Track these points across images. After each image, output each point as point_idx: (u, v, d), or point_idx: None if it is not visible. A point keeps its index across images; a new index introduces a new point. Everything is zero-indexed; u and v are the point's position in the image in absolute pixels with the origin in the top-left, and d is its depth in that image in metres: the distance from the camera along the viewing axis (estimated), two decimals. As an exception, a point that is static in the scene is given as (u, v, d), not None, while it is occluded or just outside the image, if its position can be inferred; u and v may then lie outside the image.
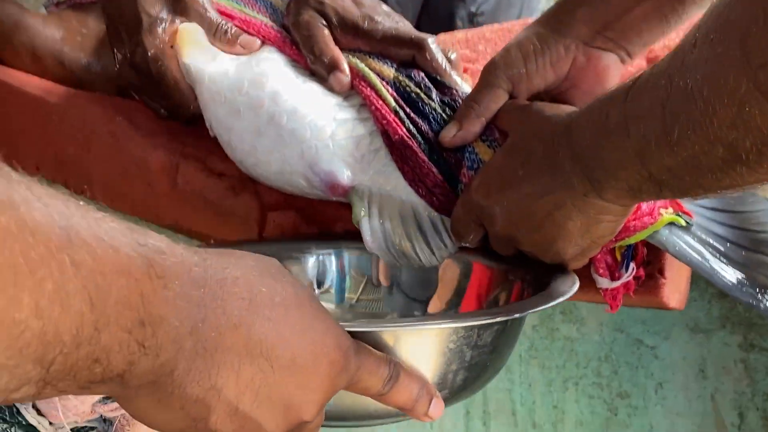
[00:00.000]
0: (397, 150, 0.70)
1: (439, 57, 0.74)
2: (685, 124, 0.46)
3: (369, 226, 0.69)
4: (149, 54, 0.74)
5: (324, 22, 0.76)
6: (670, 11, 0.67)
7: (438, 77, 0.74)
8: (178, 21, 0.76)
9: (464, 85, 0.75)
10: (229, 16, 0.79)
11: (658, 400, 0.83)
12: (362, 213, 0.70)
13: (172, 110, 0.78)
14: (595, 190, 0.57)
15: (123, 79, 0.79)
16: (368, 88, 0.73)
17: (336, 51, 0.74)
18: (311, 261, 0.76)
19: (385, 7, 0.79)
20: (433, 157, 0.70)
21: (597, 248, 0.64)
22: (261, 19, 0.79)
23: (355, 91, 0.74)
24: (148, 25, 0.74)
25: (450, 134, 0.69)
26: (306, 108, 0.72)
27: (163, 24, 0.75)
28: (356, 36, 0.75)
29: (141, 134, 0.83)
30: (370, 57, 0.75)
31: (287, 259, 0.73)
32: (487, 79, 0.69)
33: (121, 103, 0.85)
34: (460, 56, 0.79)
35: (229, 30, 0.77)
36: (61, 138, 0.86)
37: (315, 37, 0.75)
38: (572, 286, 0.58)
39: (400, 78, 0.73)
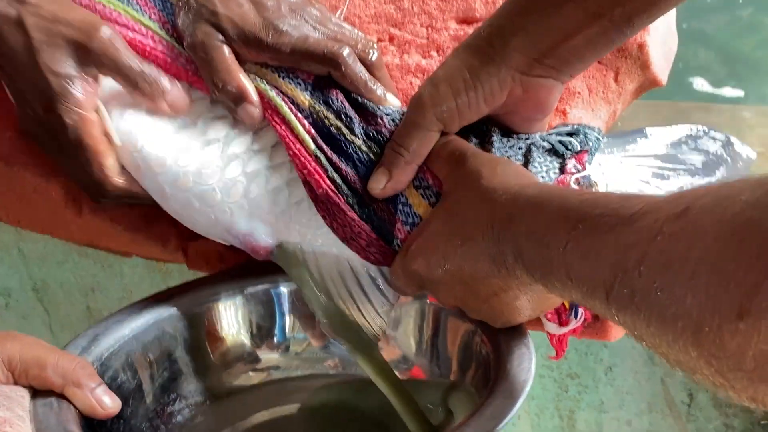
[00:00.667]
0: (323, 205, 0.63)
1: (358, 71, 0.65)
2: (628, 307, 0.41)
3: (316, 304, 0.64)
4: (66, 124, 0.63)
5: (222, 38, 0.65)
6: (617, 34, 0.59)
7: (359, 98, 0.65)
8: (91, 76, 0.64)
9: (391, 99, 0.67)
10: (114, 22, 0.67)
11: (608, 381, 0.83)
12: (305, 276, 0.64)
13: (87, 185, 0.66)
14: (541, 284, 0.52)
15: (29, 134, 0.69)
16: (282, 126, 0.64)
17: (241, 79, 0.65)
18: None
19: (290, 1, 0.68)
20: (363, 212, 0.63)
21: (549, 310, 0.60)
22: (148, 27, 0.68)
23: (267, 124, 0.65)
24: (60, 89, 0.63)
25: (380, 186, 0.62)
26: (210, 165, 0.64)
27: (77, 84, 0.63)
28: (260, 50, 0.65)
29: (35, 158, 0.73)
30: (279, 74, 0.66)
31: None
32: (415, 120, 0.61)
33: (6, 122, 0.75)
34: (381, 50, 0.70)
35: (153, 81, 0.65)
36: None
37: (214, 61, 0.65)
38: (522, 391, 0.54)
39: (317, 108, 0.64)
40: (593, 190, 0.61)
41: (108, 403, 0.58)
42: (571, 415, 0.87)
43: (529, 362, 0.55)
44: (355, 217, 0.62)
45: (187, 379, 0.68)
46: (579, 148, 0.63)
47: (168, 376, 0.67)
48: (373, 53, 0.67)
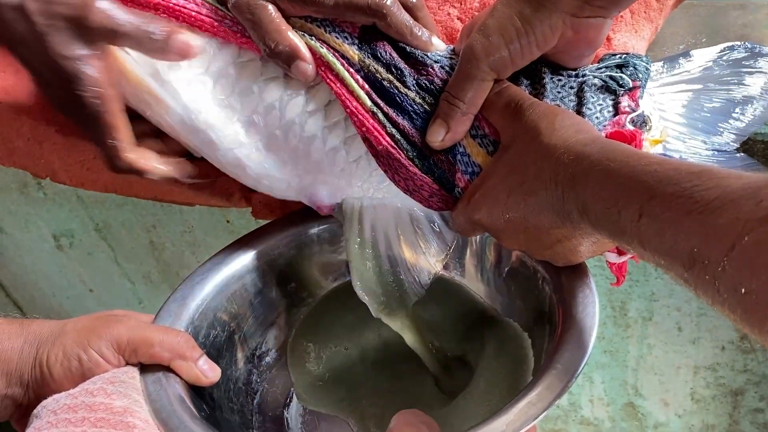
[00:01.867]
0: (384, 160, 0.65)
1: (402, 18, 0.66)
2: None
3: (358, 259, 0.68)
4: (86, 103, 0.65)
5: None
6: None
7: (406, 47, 0.66)
8: (100, 50, 0.65)
9: (436, 43, 0.67)
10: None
11: (658, 274, 0.87)
12: (351, 238, 0.68)
13: (104, 156, 0.67)
14: (608, 240, 0.55)
15: (56, 108, 0.70)
16: (337, 83, 0.65)
17: (291, 37, 0.65)
18: None
19: None
20: (424, 165, 0.65)
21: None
22: None
23: (319, 82, 0.67)
24: (73, 71, 0.64)
25: (438, 138, 0.64)
26: (275, 138, 0.66)
27: (88, 63, 0.64)
28: (304, 4, 0.65)
29: None
30: (325, 29, 0.66)
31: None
32: (469, 71, 0.62)
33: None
34: None
35: (155, 32, 0.65)
36: (5, 133, 0.80)
37: (262, 22, 0.65)
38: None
39: (367, 62, 0.65)
40: (647, 127, 0.63)
41: (210, 373, 0.63)
42: (623, 306, 0.92)
43: (593, 307, 0.59)
44: (417, 170, 0.65)
45: (269, 323, 0.73)
46: (630, 84, 0.64)
47: (252, 322, 0.72)
48: None
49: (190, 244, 1.02)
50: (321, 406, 0.71)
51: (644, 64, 0.66)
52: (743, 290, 0.40)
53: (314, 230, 0.74)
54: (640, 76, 0.65)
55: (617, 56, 0.67)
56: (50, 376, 0.60)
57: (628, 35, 0.71)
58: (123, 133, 0.66)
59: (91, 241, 1.07)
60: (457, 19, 0.75)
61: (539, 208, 0.56)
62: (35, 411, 0.59)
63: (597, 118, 0.63)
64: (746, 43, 0.68)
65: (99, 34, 0.63)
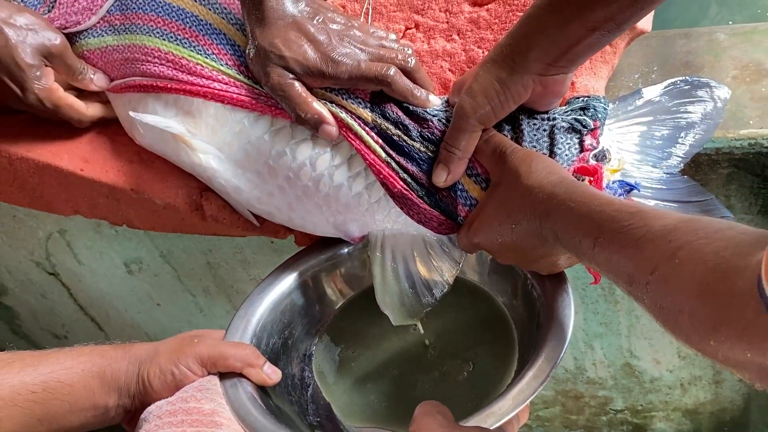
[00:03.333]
0: (399, 200, 0.82)
1: (404, 84, 0.82)
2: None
3: (381, 278, 0.84)
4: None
5: (292, 76, 0.82)
6: (611, 37, 0.74)
7: (409, 106, 0.83)
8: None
9: (433, 100, 0.84)
10: (199, 75, 0.86)
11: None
12: (375, 262, 0.84)
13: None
14: (576, 259, 0.72)
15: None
16: (356, 140, 0.82)
17: (316, 107, 0.82)
18: None
19: (335, 24, 0.84)
20: (432, 201, 0.82)
21: None
22: (228, 74, 0.85)
23: (341, 140, 0.83)
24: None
25: (441, 179, 0.81)
26: (308, 190, 0.84)
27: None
28: (324, 79, 0.82)
29: (159, 180, 0.94)
30: (342, 97, 0.83)
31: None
32: (461, 125, 0.79)
33: (129, 157, 0.95)
34: (410, 39, 0.89)
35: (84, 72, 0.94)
36: (88, 194, 0.98)
37: (292, 97, 0.82)
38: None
39: (378, 121, 0.82)
40: (607, 159, 0.79)
41: (273, 375, 0.81)
42: (611, 286, 1.09)
43: (569, 308, 0.75)
44: (426, 206, 0.82)
45: (315, 328, 0.91)
46: (591, 124, 0.80)
47: (300, 330, 0.90)
48: (411, 60, 0.84)
49: (241, 261, 1.19)
50: (359, 421, 0.85)
51: (602, 105, 0.82)
52: (659, 306, 0.57)
53: (345, 251, 0.92)
54: (600, 116, 0.81)
55: (580, 99, 0.83)
56: (151, 388, 0.79)
57: (588, 78, 0.87)
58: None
59: (157, 265, 1.25)
60: (449, 70, 0.92)
61: (524, 234, 0.73)
62: (143, 416, 0.78)
63: (566, 155, 0.80)
64: (686, 77, 0.84)
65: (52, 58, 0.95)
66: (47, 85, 0.91)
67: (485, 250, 0.80)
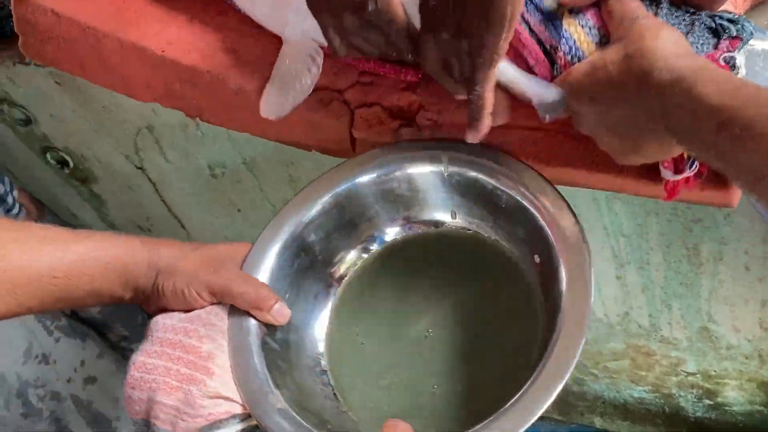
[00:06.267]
0: None
1: None
2: None
3: None
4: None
5: None
6: None
7: None
8: None
9: None
10: None
11: (726, 222, 0.98)
12: None
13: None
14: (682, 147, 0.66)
15: None
16: None
17: None
18: None
19: None
20: (533, 37, 0.77)
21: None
22: None
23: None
24: None
25: None
26: None
27: None
28: None
29: (238, 66, 0.93)
30: None
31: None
32: None
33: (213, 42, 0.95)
34: None
35: None
36: (167, 77, 0.98)
37: None
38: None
39: None
40: (735, 72, 0.72)
41: (280, 318, 0.81)
42: (696, 247, 1.04)
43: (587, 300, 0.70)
44: (528, 37, 0.77)
45: (343, 247, 0.90)
46: (735, 35, 0.74)
47: (329, 247, 0.89)
48: None
49: (322, 177, 1.19)
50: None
51: (751, 27, 0.75)
52: None
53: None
54: (745, 34, 0.74)
55: (732, 14, 0.76)
56: (164, 297, 0.81)
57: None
58: None
59: (240, 172, 1.26)
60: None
61: (635, 103, 0.67)
62: (150, 324, 0.80)
63: (696, 48, 0.74)
64: None
65: None
66: None
67: (573, 111, 0.75)
